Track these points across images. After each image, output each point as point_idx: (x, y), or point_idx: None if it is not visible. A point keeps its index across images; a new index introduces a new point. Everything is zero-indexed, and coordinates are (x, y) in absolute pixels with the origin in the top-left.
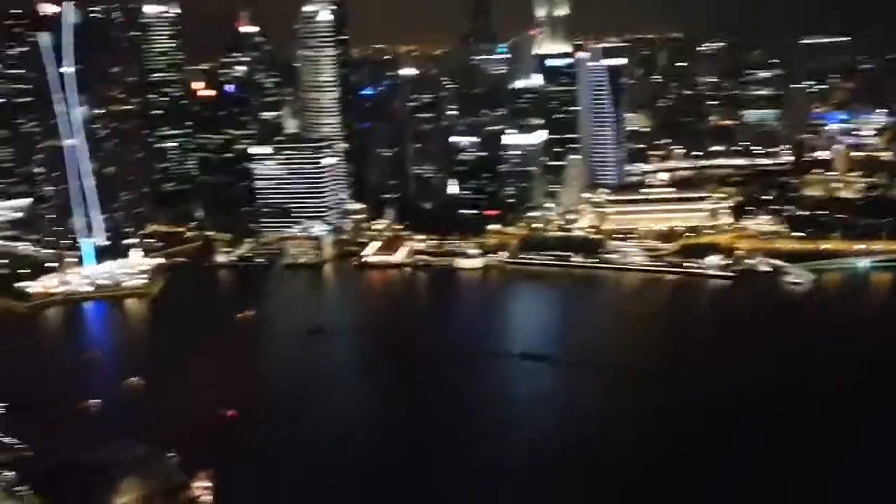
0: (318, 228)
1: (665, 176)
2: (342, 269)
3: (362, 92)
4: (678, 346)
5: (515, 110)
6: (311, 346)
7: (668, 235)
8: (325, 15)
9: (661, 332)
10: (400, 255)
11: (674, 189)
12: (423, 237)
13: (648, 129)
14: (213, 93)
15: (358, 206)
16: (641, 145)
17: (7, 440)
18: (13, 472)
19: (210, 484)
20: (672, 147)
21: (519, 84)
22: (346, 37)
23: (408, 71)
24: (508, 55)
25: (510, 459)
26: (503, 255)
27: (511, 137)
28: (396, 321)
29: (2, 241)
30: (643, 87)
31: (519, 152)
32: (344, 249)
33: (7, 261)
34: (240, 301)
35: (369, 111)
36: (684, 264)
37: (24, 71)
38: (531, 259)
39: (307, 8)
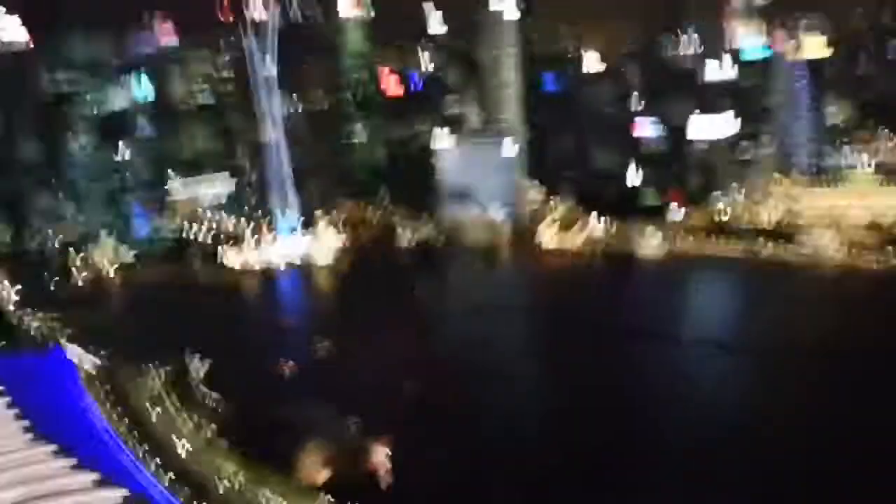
0: (496, 211)
1: (870, 163)
2: (519, 252)
3: (545, 84)
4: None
5: (705, 98)
6: (487, 325)
7: (869, 226)
8: (510, 8)
9: (847, 326)
10: (578, 240)
11: (879, 177)
12: (602, 222)
13: (850, 115)
14: (400, 87)
15: (536, 190)
16: (841, 127)
17: (210, 396)
18: (213, 426)
19: (388, 451)
20: (878, 133)
21: (710, 72)
22: (531, 26)
23: (592, 60)
24: (699, 43)
25: (667, 441)
26: (686, 242)
27: (698, 124)
28: (572, 305)
29: (209, 219)
30: (847, 68)
31: (706, 138)
32: (521, 233)
33: (214, 233)
34: (419, 280)
35: (552, 102)
36: (885, 258)
37: (233, 69)
38: (716, 247)
39: (492, 1)
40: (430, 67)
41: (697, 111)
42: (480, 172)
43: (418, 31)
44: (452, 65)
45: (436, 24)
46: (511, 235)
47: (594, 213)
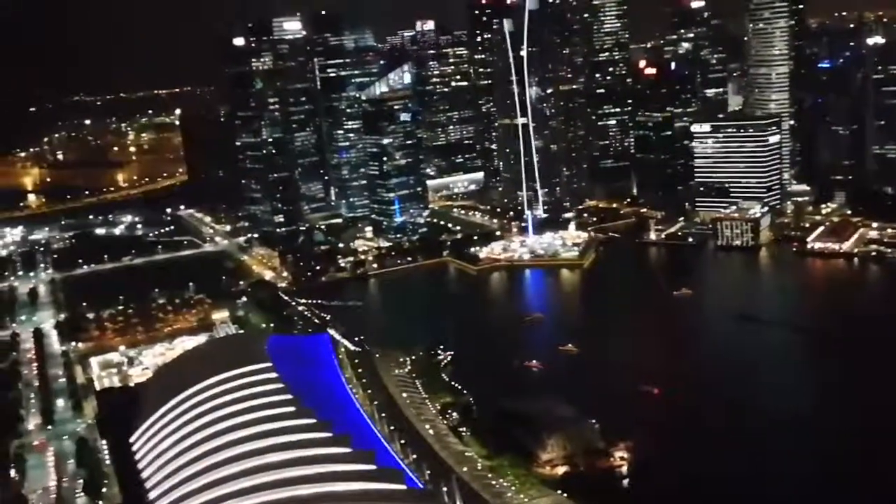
0: (756, 210)
1: None
2: (780, 255)
3: (819, 64)
4: None
5: None
6: (740, 332)
7: None
8: None
9: None
10: (849, 244)
11: None
12: (881, 225)
13: None
14: (655, 70)
15: (801, 187)
16: None
17: (455, 385)
18: (455, 414)
19: (627, 455)
20: None
21: None
22: (803, 5)
23: (874, 39)
24: None
25: None
26: None
27: None
28: (839, 317)
29: (459, 211)
30: None
31: None
32: (783, 233)
33: (461, 228)
34: (668, 279)
35: (824, 85)
36: None
37: (486, 56)
38: None
39: None
40: (687, 46)
41: None
42: (739, 162)
43: (673, 7)
44: (712, 43)
45: None
46: (770, 235)
47: (871, 215)
